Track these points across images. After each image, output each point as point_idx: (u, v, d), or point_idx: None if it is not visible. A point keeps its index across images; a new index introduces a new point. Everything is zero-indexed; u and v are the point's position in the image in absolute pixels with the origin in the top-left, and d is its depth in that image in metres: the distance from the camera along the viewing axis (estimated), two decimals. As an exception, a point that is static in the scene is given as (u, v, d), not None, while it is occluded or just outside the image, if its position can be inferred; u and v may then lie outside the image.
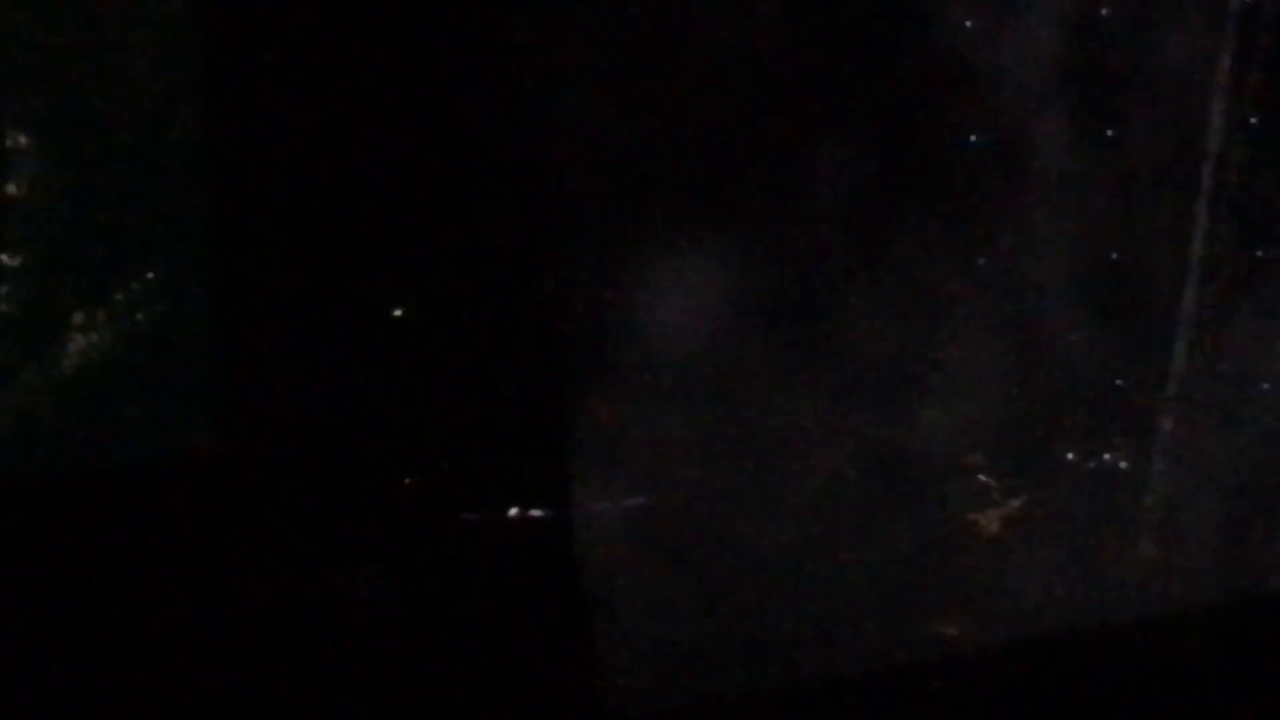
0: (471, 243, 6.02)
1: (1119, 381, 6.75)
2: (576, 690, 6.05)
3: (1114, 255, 6.72)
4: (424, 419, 6.00)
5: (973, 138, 6.54)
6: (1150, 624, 6.62)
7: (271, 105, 5.77)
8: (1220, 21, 6.62)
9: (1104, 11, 6.61)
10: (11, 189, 5.57)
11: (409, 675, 5.90)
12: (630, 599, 6.17)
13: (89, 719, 5.50)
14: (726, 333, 6.31)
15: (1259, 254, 6.80)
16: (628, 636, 6.14)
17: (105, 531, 5.65)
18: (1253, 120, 6.74)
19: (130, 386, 5.70)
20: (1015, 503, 6.65)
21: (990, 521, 6.63)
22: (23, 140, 5.58)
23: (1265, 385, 6.86)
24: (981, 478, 6.64)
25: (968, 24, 6.49)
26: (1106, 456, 6.74)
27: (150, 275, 5.71)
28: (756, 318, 6.36)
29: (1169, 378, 6.74)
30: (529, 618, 6.03)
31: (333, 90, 5.81)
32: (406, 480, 6.01)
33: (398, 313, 6.02)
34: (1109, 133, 6.67)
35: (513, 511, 6.05)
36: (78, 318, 5.63)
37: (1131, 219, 6.73)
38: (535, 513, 6.08)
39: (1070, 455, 6.71)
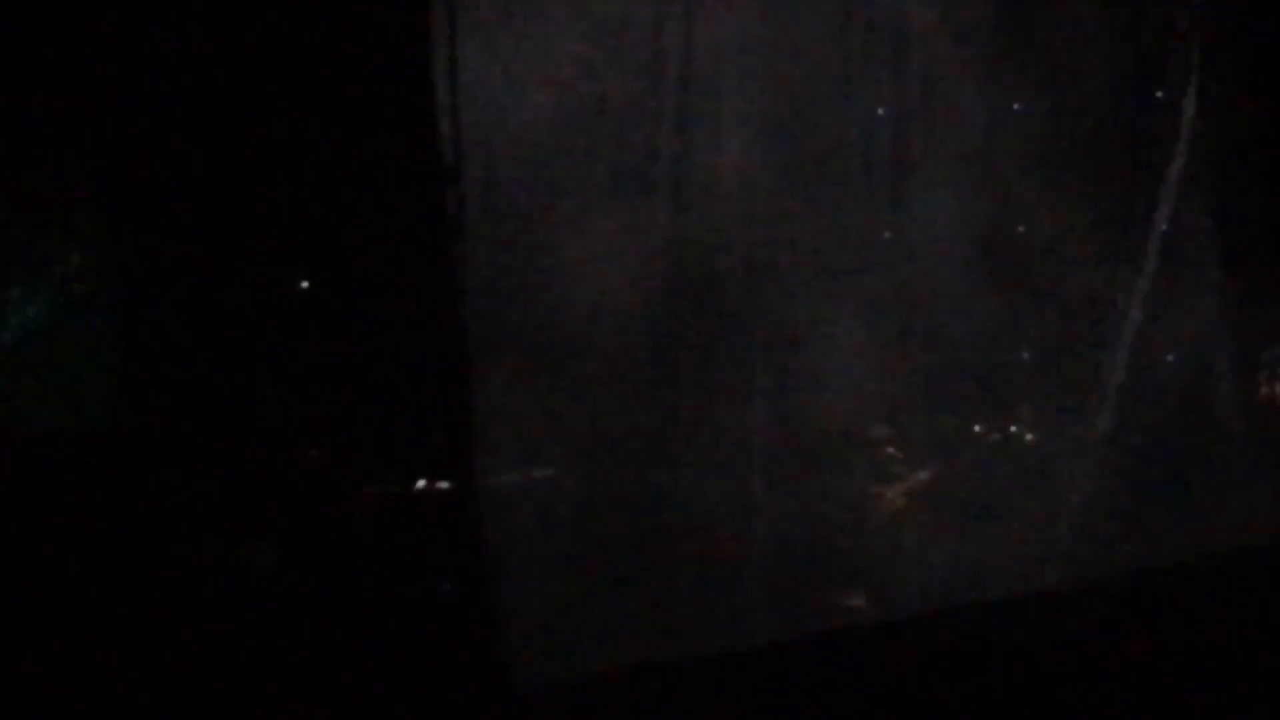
0: (372, 216, 6.04)
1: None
2: (477, 661, 6.07)
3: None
4: (327, 393, 6.02)
5: None
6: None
7: (163, 93, 5.80)
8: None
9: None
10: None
11: (312, 646, 5.92)
12: (534, 571, 6.21)
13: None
14: (629, 307, 6.36)
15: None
16: (530, 608, 6.18)
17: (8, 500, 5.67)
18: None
19: (30, 364, 5.72)
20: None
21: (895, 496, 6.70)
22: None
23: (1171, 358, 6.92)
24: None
25: None
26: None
27: (49, 255, 5.74)
28: (660, 292, 6.40)
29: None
30: (431, 589, 6.06)
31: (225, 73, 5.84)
32: (310, 454, 6.03)
33: (303, 284, 6.04)
34: None
35: (417, 484, 6.08)
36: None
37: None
38: (439, 485, 6.10)
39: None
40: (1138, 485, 6.83)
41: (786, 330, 6.56)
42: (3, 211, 5.72)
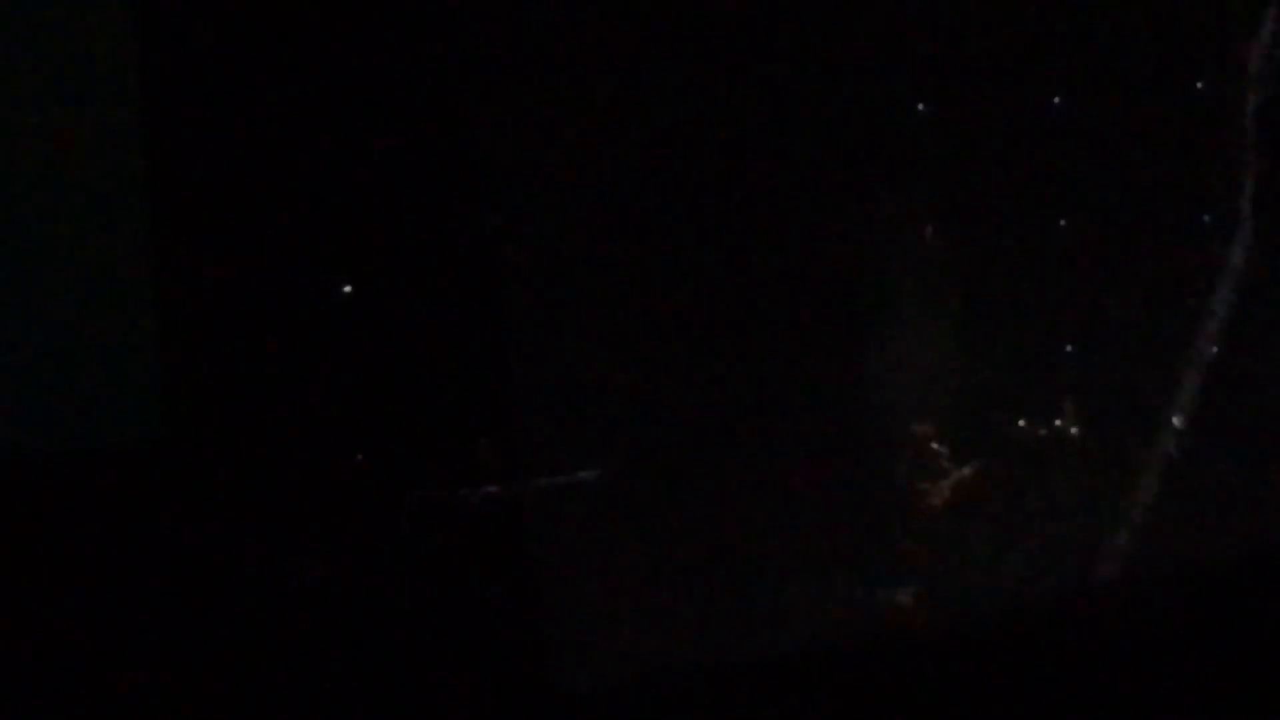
0: (416, 223, 6.06)
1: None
2: (524, 664, 6.09)
3: None
4: (372, 398, 6.04)
5: None
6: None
7: (211, 101, 5.82)
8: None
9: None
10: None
11: (361, 651, 5.95)
12: (580, 573, 6.22)
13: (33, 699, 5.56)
14: (671, 310, 6.35)
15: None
16: (577, 610, 6.19)
17: (55, 515, 5.70)
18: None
19: (76, 373, 5.75)
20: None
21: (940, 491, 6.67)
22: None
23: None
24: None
25: None
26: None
27: (92, 262, 5.77)
28: (713, 302, 6.42)
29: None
30: (479, 593, 6.08)
31: (267, 85, 5.86)
32: (357, 458, 6.05)
33: (346, 289, 6.06)
34: None
35: (463, 488, 6.10)
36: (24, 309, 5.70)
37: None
38: (486, 489, 6.12)
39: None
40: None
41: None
42: (39, 207, 5.76)
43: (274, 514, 5.94)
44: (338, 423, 6.03)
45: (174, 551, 5.81)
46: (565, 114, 6.29)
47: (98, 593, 5.70)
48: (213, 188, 5.84)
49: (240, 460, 5.93)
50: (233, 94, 5.83)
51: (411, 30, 6.06)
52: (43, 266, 5.76)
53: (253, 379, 5.96)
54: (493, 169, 6.18)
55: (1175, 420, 6.84)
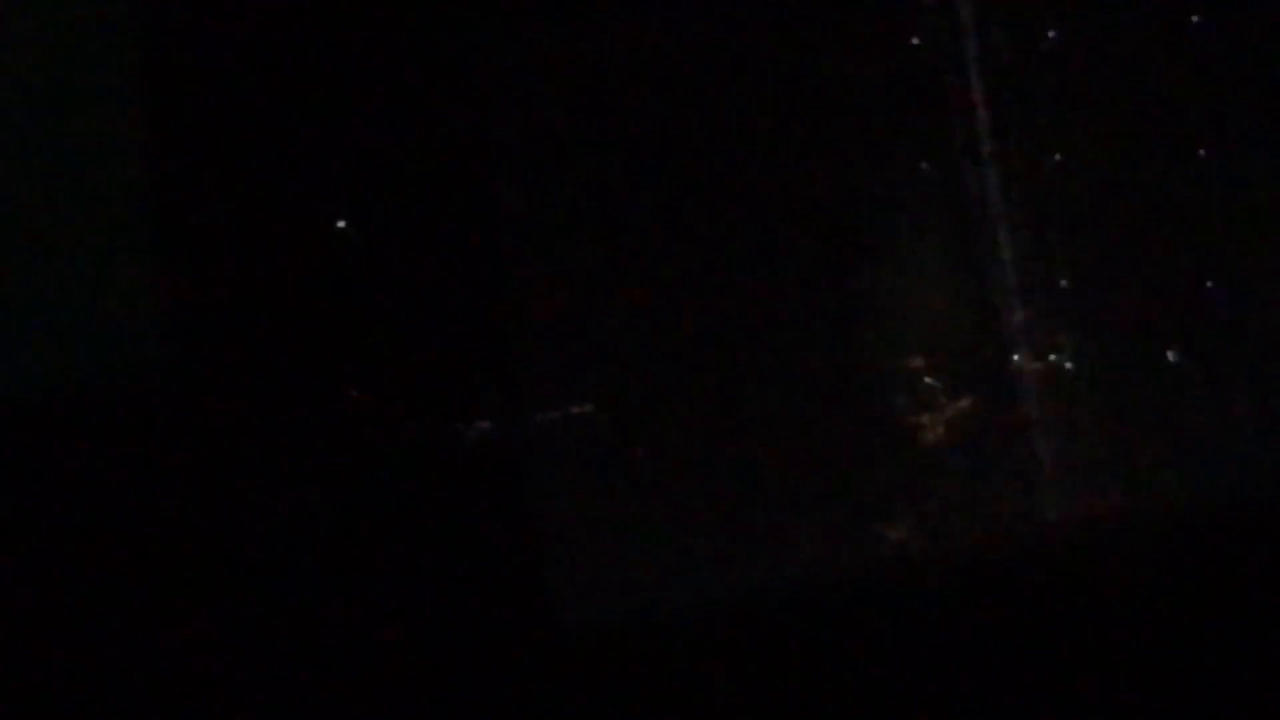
0: (416, 158, 6.00)
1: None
2: (526, 601, 6.07)
3: None
4: (369, 335, 6.00)
5: None
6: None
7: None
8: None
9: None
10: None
11: (359, 590, 5.92)
12: (577, 511, 6.21)
13: (40, 645, 5.52)
14: (667, 245, 6.34)
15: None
16: (575, 547, 6.18)
17: (56, 454, 5.65)
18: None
19: (73, 314, 5.69)
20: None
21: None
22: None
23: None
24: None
25: None
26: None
27: (91, 206, 5.70)
28: (709, 243, 6.41)
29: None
30: (478, 529, 6.05)
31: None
32: (351, 395, 6.01)
33: (340, 224, 6.00)
34: None
35: (461, 424, 6.06)
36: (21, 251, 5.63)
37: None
38: (484, 424, 6.09)
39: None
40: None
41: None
42: (32, 145, 5.68)
43: (270, 450, 5.89)
44: (334, 360, 5.98)
45: (170, 491, 5.76)
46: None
47: (95, 534, 5.65)
48: (212, 120, 5.77)
49: (236, 399, 5.88)
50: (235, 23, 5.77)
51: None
52: (36, 208, 5.68)
53: (248, 316, 5.90)
54: (490, 112, 6.13)
55: (1170, 355, 6.86)
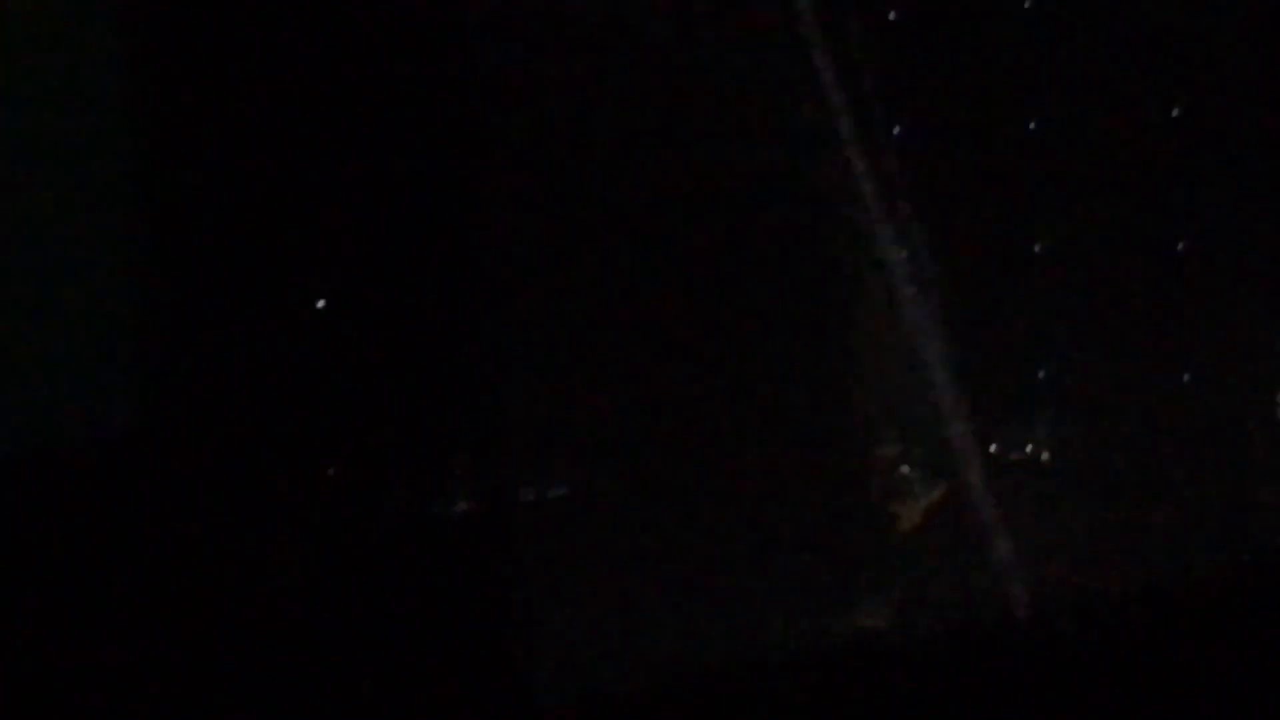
0: (399, 233, 6.03)
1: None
2: (502, 681, 6.04)
3: None
4: (351, 408, 5.99)
5: None
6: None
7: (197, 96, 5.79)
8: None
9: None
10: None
11: (337, 666, 5.87)
12: (554, 592, 6.18)
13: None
14: (650, 331, 6.36)
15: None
16: (552, 626, 6.14)
17: (28, 511, 5.61)
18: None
19: (52, 368, 5.66)
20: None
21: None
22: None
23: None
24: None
25: None
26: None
27: (73, 256, 5.68)
28: (685, 319, 6.42)
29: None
30: (454, 607, 6.02)
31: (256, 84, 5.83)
32: (331, 470, 5.99)
33: (327, 296, 6.01)
34: None
35: (442, 498, 6.05)
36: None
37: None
38: (465, 500, 6.08)
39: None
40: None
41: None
42: (19, 191, 5.68)
43: (247, 523, 5.86)
44: (315, 432, 5.97)
45: (143, 556, 5.72)
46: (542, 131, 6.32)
47: (67, 591, 5.59)
48: (197, 183, 5.78)
49: (213, 468, 5.85)
50: (222, 100, 5.80)
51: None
52: (14, 257, 5.66)
53: (228, 387, 5.89)
54: (473, 182, 6.17)
55: (1146, 440, 6.92)
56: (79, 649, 5.58)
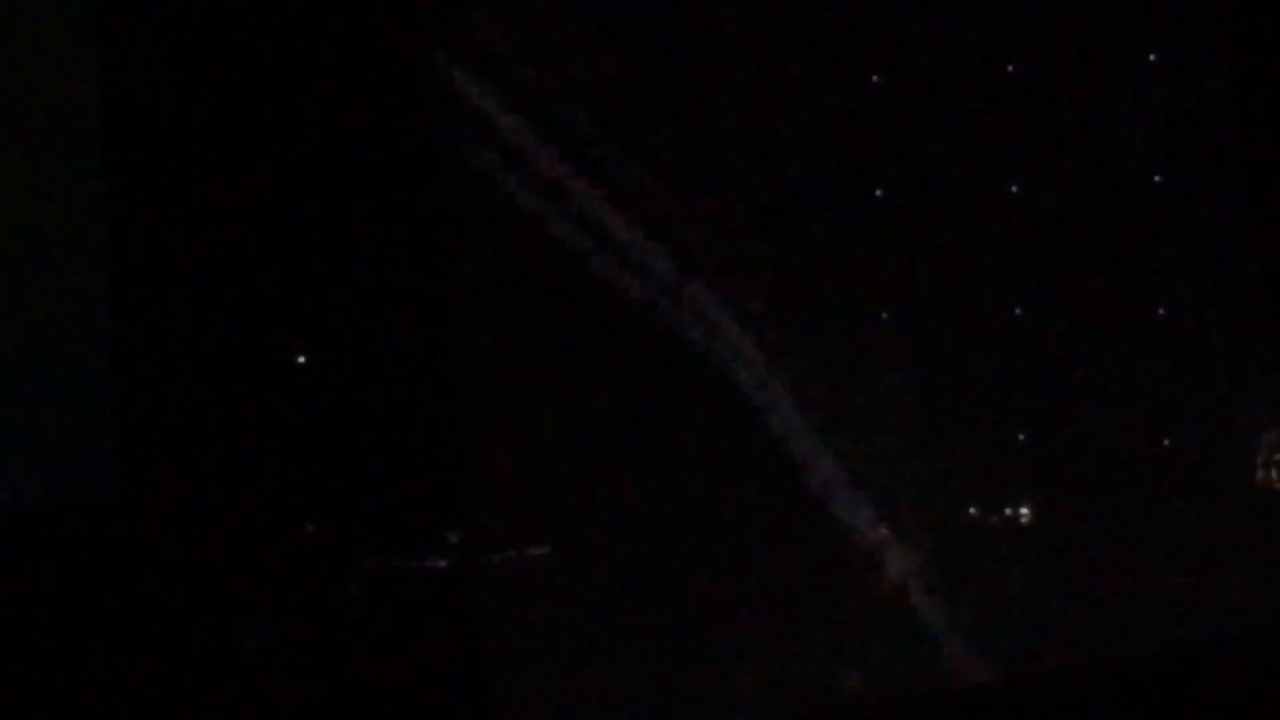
0: (373, 294, 6.05)
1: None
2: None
3: None
4: (324, 468, 6.00)
5: None
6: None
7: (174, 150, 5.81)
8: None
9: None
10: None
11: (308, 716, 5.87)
12: (530, 650, 6.17)
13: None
14: (627, 389, 6.35)
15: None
16: (525, 686, 6.13)
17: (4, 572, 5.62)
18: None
19: (24, 433, 5.68)
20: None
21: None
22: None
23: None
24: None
25: None
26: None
27: (44, 321, 5.71)
28: (660, 375, 6.42)
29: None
30: (428, 666, 6.01)
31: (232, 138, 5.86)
32: (308, 528, 5.99)
33: (300, 360, 6.02)
34: None
35: (415, 559, 6.05)
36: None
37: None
38: (438, 561, 6.08)
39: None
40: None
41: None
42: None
43: (224, 581, 5.86)
44: (291, 492, 5.98)
45: (122, 614, 5.73)
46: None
47: (45, 650, 5.60)
48: (172, 243, 5.81)
49: (190, 526, 5.86)
50: (199, 172, 5.84)
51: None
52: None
53: (206, 448, 5.91)
54: (449, 242, 6.19)
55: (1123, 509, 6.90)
56: (60, 702, 5.60)
